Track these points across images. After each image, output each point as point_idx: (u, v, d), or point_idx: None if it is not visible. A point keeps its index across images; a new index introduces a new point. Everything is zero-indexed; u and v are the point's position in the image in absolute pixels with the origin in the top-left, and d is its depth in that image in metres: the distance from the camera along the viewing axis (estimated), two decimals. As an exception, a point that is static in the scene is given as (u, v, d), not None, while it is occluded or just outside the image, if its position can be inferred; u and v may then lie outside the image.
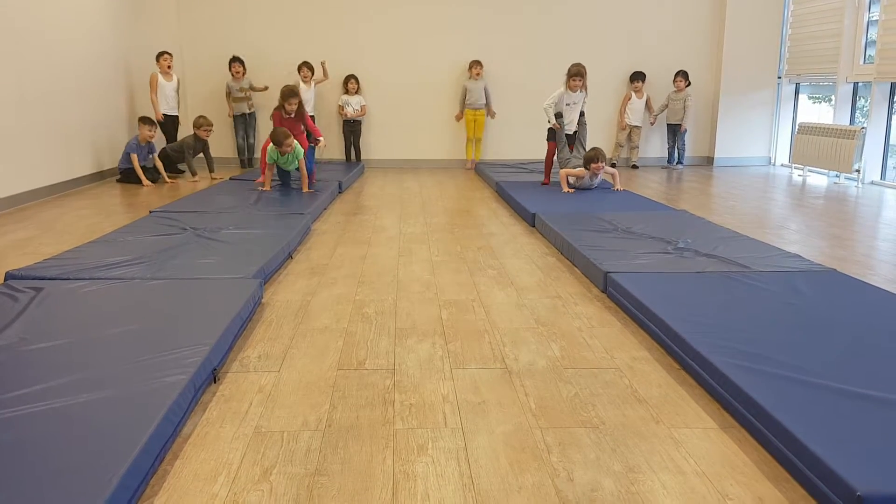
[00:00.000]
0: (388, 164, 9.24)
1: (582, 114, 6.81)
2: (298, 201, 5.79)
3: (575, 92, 6.64)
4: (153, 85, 7.95)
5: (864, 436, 1.91)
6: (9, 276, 3.45)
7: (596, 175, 6.45)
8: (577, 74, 6.56)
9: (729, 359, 2.40)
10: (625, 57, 9.12)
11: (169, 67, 7.99)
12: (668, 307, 2.96)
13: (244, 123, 8.72)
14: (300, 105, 6.52)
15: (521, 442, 2.11)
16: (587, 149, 6.63)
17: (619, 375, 2.60)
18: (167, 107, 8.04)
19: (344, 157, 9.08)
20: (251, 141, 8.80)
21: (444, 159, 9.28)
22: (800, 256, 3.96)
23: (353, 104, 8.85)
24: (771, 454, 2.02)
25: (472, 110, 8.95)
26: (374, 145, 9.24)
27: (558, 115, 6.72)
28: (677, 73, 8.95)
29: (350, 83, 8.83)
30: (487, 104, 8.97)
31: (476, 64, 8.87)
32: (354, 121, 8.93)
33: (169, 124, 8.08)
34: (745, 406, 2.16)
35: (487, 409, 2.32)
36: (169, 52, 8.03)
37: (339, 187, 7.00)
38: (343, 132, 9.02)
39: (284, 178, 6.49)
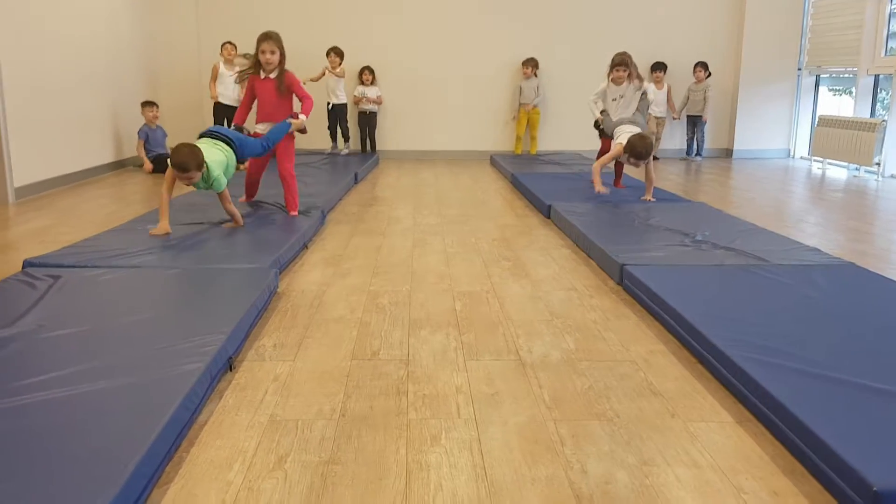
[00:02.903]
0: (403, 156, 9.23)
1: (638, 110, 5.66)
2: (314, 192, 5.78)
3: (620, 85, 5.65)
4: (214, 73, 8.11)
5: (880, 430, 1.89)
6: (27, 263, 3.48)
7: (636, 165, 5.36)
8: (619, 64, 5.59)
9: (746, 352, 2.38)
10: (644, 48, 9.03)
11: (231, 56, 8.10)
12: (685, 300, 2.94)
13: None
14: (282, 58, 4.68)
15: (535, 434, 2.10)
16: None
17: (635, 368, 2.59)
18: (225, 96, 8.11)
19: (359, 148, 9.09)
20: None
21: (461, 150, 9.27)
22: (818, 250, 3.92)
23: (370, 94, 8.83)
24: (787, 448, 2.00)
25: (526, 109, 8.93)
26: (389, 136, 9.23)
27: (604, 113, 5.76)
28: (697, 64, 8.88)
29: (365, 74, 8.81)
30: (538, 102, 8.94)
31: (528, 63, 8.83)
32: (370, 112, 8.92)
33: (227, 112, 8.05)
34: (762, 400, 2.14)
35: (501, 401, 2.32)
36: (232, 42, 8.11)
37: (355, 178, 7.01)
38: (358, 123, 9.01)
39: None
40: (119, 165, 7.63)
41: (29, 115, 5.93)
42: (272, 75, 4.67)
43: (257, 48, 4.63)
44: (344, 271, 3.84)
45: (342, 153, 8.73)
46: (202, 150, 4.02)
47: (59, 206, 5.60)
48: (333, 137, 8.81)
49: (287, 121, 4.66)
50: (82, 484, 1.61)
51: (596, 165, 5.64)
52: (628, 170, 6.08)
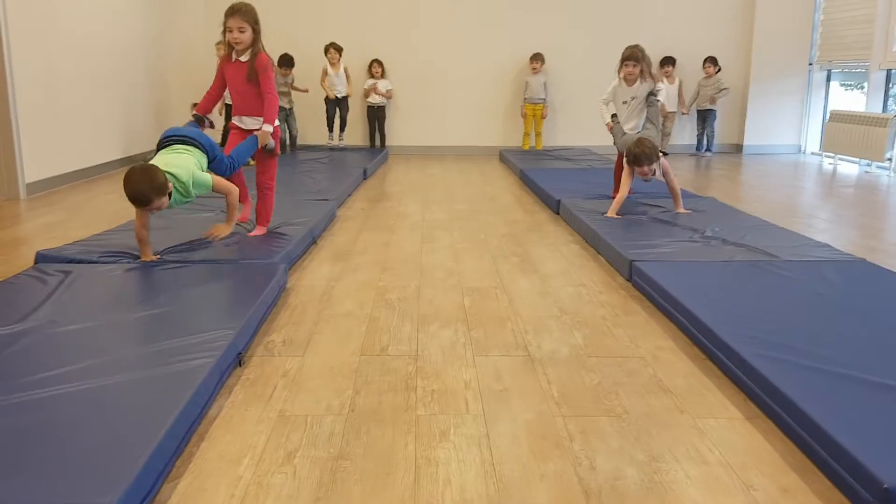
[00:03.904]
0: (412, 151, 9.23)
1: (648, 119, 5.04)
2: (323, 188, 5.79)
3: (632, 84, 4.95)
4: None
5: (891, 427, 1.88)
6: (39, 258, 3.50)
7: (644, 175, 4.68)
8: (629, 59, 4.90)
9: (755, 349, 2.38)
10: (654, 42, 8.97)
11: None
12: (695, 296, 2.93)
13: (284, 118, 8.44)
14: (256, 36, 3.89)
15: (544, 429, 2.10)
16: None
17: (644, 364, 2.59)
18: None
19: (368, 143, 9.09)
20: (293, 133, 8.56)
21: (469, 146, 9.26)
22: (829, 246, 3.90)
23: (381, 87, 8.82)
24: (796, 445, 1.99)
25: (532, 104, 8.91)
26: (398, 131, 9.23)
27: (615, 119, 5.15)
28: (706, 59, 8.83)
29: (374, 67, 8.81)
30: (545, 99, 8.92)
31: (536, 58, 8.80)
32: (378, 106, 8.92)
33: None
34: (771, 396, 2.13)
35: (509, 397, 2.32)
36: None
37: (364, 174, 7.01)
38: (367, 117, 9.02)
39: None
40: (129, 161, 7.64)
41: (40, 111, 5.96)
42: (243, 58, 3.89)
43: (224, 25, 3.86)
44: (353, 267, 3.85)
45: (339, 145, 8.77)
46: (156, 165, 3.31)
47: (70, 202, 5.63)
48: (330, 127, 8.81)
49: (253, 134, 3.91)
50: (93, 478, 1.62)
51: (621, 194, 4.71)
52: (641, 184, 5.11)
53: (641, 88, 4.95)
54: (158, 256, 3.51)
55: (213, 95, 4.13)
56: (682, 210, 4.75)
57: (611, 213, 4.62)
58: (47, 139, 6.09)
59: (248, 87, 3.92)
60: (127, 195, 3.24)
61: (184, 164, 3.42)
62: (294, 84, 8.58)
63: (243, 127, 4.04)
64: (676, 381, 2.45)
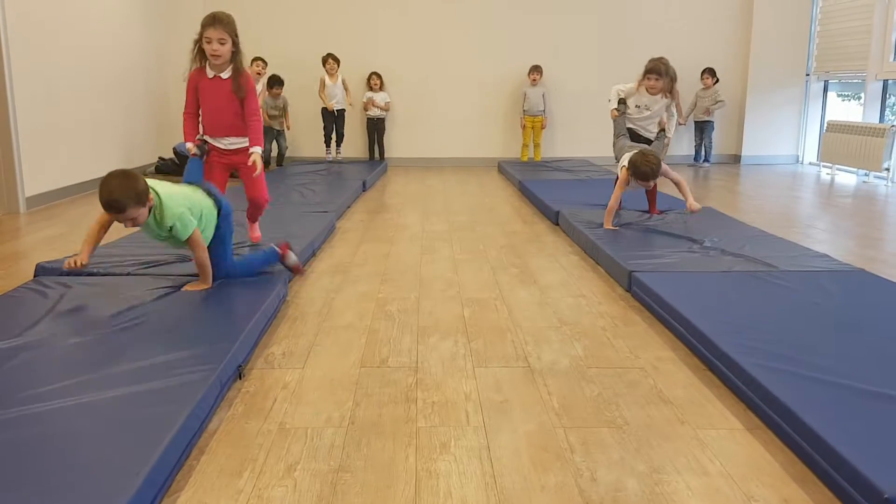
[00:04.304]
0: (411, 163, 9.25)
1: (662, 130, 5.03)
2: (323, 200, 5.80)
3: (653, 95, 4.88)
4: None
5: (892, 438, 1.88)
6: (39, 270, 3.50)
7: (647, 188, 4.73)
8: (651, 71, 4.81)
9: (755, 359, 2.38)
10: (651, 54, 8.97)
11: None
12: (694, 307, 2.94)
13: (273, 138, 8.47)
14: (235, 49, 3.59)
15: (544, 441, 2.10)
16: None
17: (644, 375, 2.59)
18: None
19: (367, 155, 9.11)
20: (282, 150, 8.57)
21: (468, 157, 9.28)
22: (828, 256, 3.91)
23: (378, 100, 8.85)
24: (797, 456, 1.99)
25: (531, 116, 8.95)
26: (397, 143, 9.26)
27: (622, 102, 5.02)
28: (704, 70, 8.87)
29: (373, 79, 8.84)
30: (544, 111, 8.95)
31: (535, 70, 8.84)
32: (378, 118, 8.95)
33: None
34: (772, 407, 2.13)
35: (510, 408, 2.32)
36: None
37: (363, 186, 7.03)
38: (367, 129, 9.04)
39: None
40: (129, 174, 7.67)
41: (40, 125, 5.97)
42: (224, 74, 3.61)
43: (200, 35, 3.55)
44: (353, 278, 3.85)
45: (336, 159, 8.79)
46: (155, 183, 3.02)
47: (70, 215, 5.64)
48: (328, 142, 8.81)
49: (272, 246, 3.51)
50: (93, 493, 1.62)
51: (611, 205, 4.64)
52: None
53: (660, 103, 4.87)
54: (84, 265, 3.20)
55: (193, 115, 3.76)
56: (694, 205, 4.60)
57: (607, 226, 4.57)
58: (47, 153, 6.10)
59: (229, 104, 3.63)
60: (101, 199, 2.91)
61: (180, 195, 3.08)
62: (286, 109, 8.54)
63: (222, 147, 3.78)
64: (676, 391, 2.45)
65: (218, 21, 3.51)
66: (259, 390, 2.45)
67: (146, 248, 3.94)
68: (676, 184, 4.72)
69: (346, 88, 8.68)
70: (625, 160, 4.67)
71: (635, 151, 4.64)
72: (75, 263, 3.19)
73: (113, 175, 2.92)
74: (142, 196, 2.90)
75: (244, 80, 3.63)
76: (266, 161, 8.50)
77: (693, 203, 4.66)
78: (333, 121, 8.75)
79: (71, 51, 6.48)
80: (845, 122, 8.11)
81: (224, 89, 3.61)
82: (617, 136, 5.01)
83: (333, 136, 8.83)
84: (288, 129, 8.65)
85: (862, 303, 3.06)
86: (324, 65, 8.55)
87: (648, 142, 5.07)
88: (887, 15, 7.73)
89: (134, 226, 3.00)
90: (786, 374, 2.26)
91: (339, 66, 8.58)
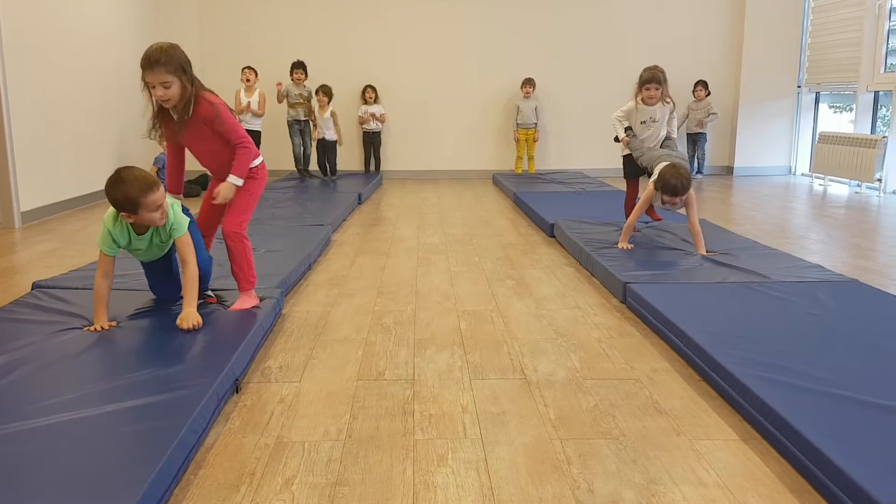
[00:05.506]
0: (406, 175, 9.28)
1: (669, 136, 4.83)
2: (318, 213, 5.81)
3: (652, 105, 4.70)
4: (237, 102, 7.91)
5: (887, 447, 1.89)
6: (35, 286, 3.50)
7: (673, 205, 4.28)
8: (649, 81, 4.64)
9: (750, 370, 2.39)
10: (644, 66, 9.09)
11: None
12: (689, 318, 2.95)
13: (300, 130, 8.41)
14: (186, 84, 2.99)
15: (541, 453, 2.11)
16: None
17: (640, 387, 2.59)
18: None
19: (363, 168, 9.13)
20: (307, 151, 8.48)
21: (463, 170, 9.32)
22: (821, 267, 3.93)
23: (377, 112, 8.81)
24: (793, 466, 2.00)
25: (524, 129, 8.97)
26: (392, 156, 9.28)
27: (629, 132, 4.84)
28: (697, 83, 8.93)
29: (368, 92, 8.86)
30: (537, 123, 8.97)
31: (527, 83, 8.88)
32: (374, 132, 8.96)
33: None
34: (767, 417, 2.14)
35: (507, 420, 2.33)
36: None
37: (359, 199, 7.04)
38: (363, 143, 9.07)
39: (160, 285, 3.25)
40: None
41: (35, 140, 5.97)
42: (189, 111, 3.02)
43: (143, 81, 3.04)
44: (349, 292, 3.86)
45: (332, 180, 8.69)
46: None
47: (66, 229, 5.63)
48: (323, 171, 8.56)
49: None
50: (91, 507, 1.62)
51: (629, 221, 4.47)
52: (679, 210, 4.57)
53: (662, 111, 4.72)
54: (116, 323, 2.91)
55: (176, 168, 3.30)
56: (704, 252, 4.18)
57: (623, 245, 4.36)
58: (42, 167, 6.10)
59: (215, 140, 3.10)
60: (117, 198, 2.74)
61: (173, 211, 2.94)
62: (311, 99, 8.32)
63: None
64: (672, 402, 2.46)
65: (154, 63, 2.92)
66: (256, 404, 2.45)
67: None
68: (693, 229, 4.27)
69: (336, 124, 8.40)
70: (656, 172, 4.38)
71: (667, 164, 4.31)
72: (99, 329, 2.84)
73: (121, 171, 2.84)
74: (155, 184, 2.78)
75: (201, 113, 3.01)
76: (297, 159, 8.38)
77: (703, 251, 4.22)
78: (324, 150, 8.49)
79: (66, 67, 6.49)
80: (837, 133, 8.17)
81: (200, 129, 3.07)
82: (640, 153, 4.74)
83: (326, 164, 8.55)
84: (340, 144, 8.48)
85: (856, 313, 3.08)
86: (315, 95, 8.33)
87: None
88: (877, 27, 7.80)
89: (147, 222, 2.84)
90: (781, 384, 2.28)
91: (329, 99, 8.32)
